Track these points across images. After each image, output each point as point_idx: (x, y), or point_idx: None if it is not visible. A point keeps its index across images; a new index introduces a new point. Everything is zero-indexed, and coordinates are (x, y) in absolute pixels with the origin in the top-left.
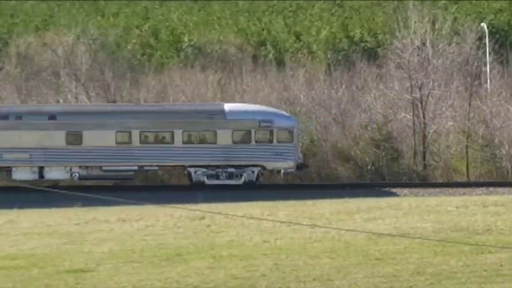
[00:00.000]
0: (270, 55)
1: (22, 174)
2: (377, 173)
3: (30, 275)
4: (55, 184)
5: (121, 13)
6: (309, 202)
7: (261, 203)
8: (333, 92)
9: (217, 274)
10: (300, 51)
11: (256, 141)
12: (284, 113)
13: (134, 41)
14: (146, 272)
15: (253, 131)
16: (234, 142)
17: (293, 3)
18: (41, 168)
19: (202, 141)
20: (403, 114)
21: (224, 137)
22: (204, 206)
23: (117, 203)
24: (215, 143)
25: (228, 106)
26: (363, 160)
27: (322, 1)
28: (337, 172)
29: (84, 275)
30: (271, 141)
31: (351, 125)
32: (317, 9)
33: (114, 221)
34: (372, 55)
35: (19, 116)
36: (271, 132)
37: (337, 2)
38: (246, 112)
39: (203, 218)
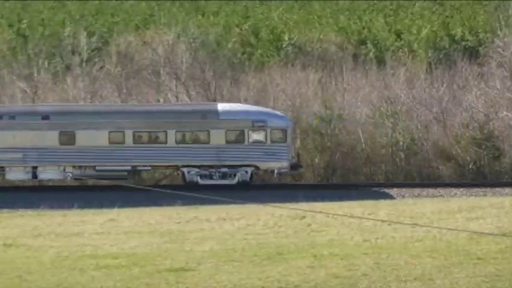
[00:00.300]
0: (371, 54)
1: (16, 174)
2: (478, 172)
3: (131, 273)
4: (156, 183)
5: (221, 12)
6: (410, 201)
7: (362, 202)
8: (433, 90)
9: (318, 273)
10: (400, 50)
11: (249, 141)
12: (278, 112)
13: (234, 39)
14: (247, 271)
15: (246, 131)
16: (227, 142)
17: (393, 2)
18: (35, 168)
19: (195, 141)
20: (505, 112)
21: (217, 137)
22: (305, 205)
23: (218, 202)
24: (208, 143)
25: (221, 106)
26: (464, 159)
27: (422, 0)
28: (438, 171)
29: (184, 274)
30: (264, 141)
31: (452, 124)
32: (418, 8)
33: (215, 220)
34: (473, 54)
35: (12, 116)
36: (265, 132)
37: (438, 1)
38: (239, 112)
39: (304, 217)
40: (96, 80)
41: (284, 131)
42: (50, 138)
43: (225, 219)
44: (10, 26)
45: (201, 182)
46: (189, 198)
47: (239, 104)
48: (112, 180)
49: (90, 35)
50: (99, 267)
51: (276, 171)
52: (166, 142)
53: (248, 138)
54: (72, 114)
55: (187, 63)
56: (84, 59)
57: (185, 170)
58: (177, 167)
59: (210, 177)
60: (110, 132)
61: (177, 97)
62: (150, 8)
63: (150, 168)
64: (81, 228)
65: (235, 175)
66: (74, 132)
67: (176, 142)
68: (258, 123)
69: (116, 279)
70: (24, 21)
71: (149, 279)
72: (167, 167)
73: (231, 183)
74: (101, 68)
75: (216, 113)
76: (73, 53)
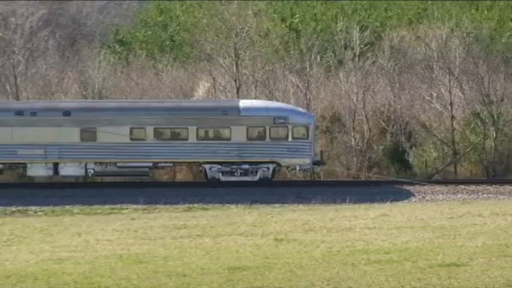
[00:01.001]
0: None
1: (37, 170)
2: None
3: (403, 268)
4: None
5: (495, 6)
6: None
7: None
8: None
9: None
10: None
11: (270, 138)
12: (300, 109)
13: (509, 33)
14: None
15: (267, 128)
16: (248, 139)
17: None
18: (56, 164)
19: (216, 137)
20: None
21: (238, 134)
22: None
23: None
24: (229, 139)
25: (242, 103)
26: None
27: None
28: None
29: (456, 269)
30: (286, 138)
31: None
32: None
33: (488, 215)
34: None
35: (34, 113)
36: (286, 128)
37: None
38: (260, 109)
39: None
40: (369, 75)
41: (306, 127)
42: (71, 134)
43: (497, 214)
44: (283, 20)
45: (222, 178)
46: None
47: (261, 101)
48: (135, 177)
49: (362, 29)
50: (370, 262)
51: (297, 168)
52: (187, 139)
53: (269, 135)
54: (93, 111)
55: (461, 58)
56: (357, 54)
57: (207, 166)
58: (199, 164)
59: (232, 174)
60: (131, 128)
61: (450, 92)
62: (423, 2)
63: (171, 164)
64: (353, 223)
65: (257, 172)
66: (95, 129)
67: (197, 139)
68: (279, 119)
69: (387, 274)
70: (297, 16)
71: (421, 274)
72: (188, 163)
73: (253, 180)
74: (373, 62)
75: (237, 109)
76: (345, 47)
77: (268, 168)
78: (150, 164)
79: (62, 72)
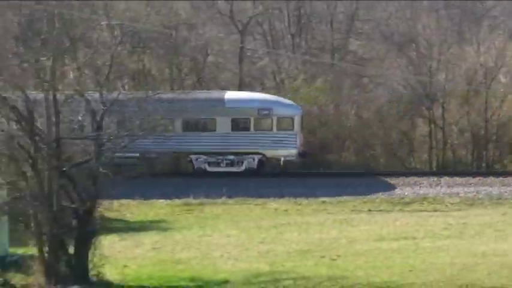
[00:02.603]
0: None
1: None
2: None
3: None
4: None
5: None
6: None
7: None
8: None
9: None
10: None
11: (255, 129)
12: (285, 100)
13: None
14: None
15: (252, 119)
16: (233, 130)
17: None
18: None
19: (202, 128)
20: None
21: (223, 125)
22: None
23: None
24: (215, 130)
25: (228, 94)
26: None
27: None
28: None
29: None
30: (270, 129)
31: None
32: None
33: None
34: None
35: None
36: (271, 120)
37: None
38: (244, 100)
39: None
40: None
41: (291, 119)
42: None
43: None
44: None
45: (209, 169)
46: None
47: (246, 92)
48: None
49: None
50: None
51: (282, 159)
52: (173, 130)
53: (254, 126)
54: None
55: None
56: None
57: (193, 157)
58: (186, 155)
59: (218, 164)
60: None
61: None
62: None
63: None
64: None
65: (242, 163)
66: None
67: (183, 130)
68: (264, 111)
69: None
70: None
71: None
72: (174, 153)
73: (239, 171)
74: None
75: (222, 101)
76: None
77: (253, 159)
78: (138, 155)
79: None
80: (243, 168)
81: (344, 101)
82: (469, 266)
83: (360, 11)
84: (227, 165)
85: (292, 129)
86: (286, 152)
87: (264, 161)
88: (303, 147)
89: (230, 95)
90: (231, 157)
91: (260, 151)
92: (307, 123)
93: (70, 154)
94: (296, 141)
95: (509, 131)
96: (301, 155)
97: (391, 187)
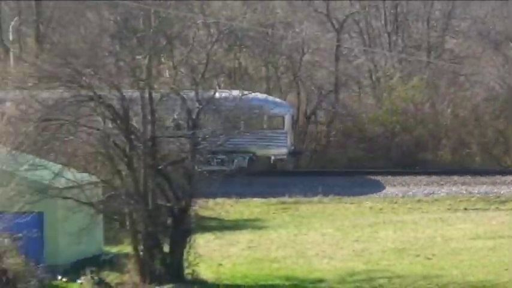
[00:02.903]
0: None
1: None
2: None
3: None
4: None
5: None
6: None
7: None
8: None
9: None
10: None
11: (245, 128)
12: (276, 99)
13: None
14: None
15: (241, 118)
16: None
17: None
18: None
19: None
20: None
21: (213, 123)
22: None
23: None
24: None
25: (218, 93)
26: None
27: None
28: None
29: None
30: (261, 128)
31: None
32: None
33: None
34: None
35: None
36: (261, 118)
37: None
38: (234, 98)
39: None
40: None
41: (282, 118)
42: None
43: None
44: None
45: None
46: None
47: (236, 91)
48: None
49: None
50: None
51: (272, 158)
52: None
53: (244, 125)
54: None
55: None
56: None
57: None
58: None
59: (208, 163)
60: None
61: None
62: None
63: None
64: None
65: (233, 161)
66: None
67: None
68: (254, 109)
69: None
70: None
71: None
72: None
73: (229, 170)
74: None
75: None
76: None
77: (244, 158)
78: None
79: None
80: (233, 167)
81: (440, 99)
82: None
83: (457, 9)
84: (218, 164)
85: (283, 128)
86: (277, 151)
87: (254, 160)
88: (294, 146)
89: (220, 93)
90: (222, 156)
91: (250, 150)
92: (403, 121)
93: (165, 152)
94: (287, 140)
95: None
96: (292, 154)
97: (487, 185)
